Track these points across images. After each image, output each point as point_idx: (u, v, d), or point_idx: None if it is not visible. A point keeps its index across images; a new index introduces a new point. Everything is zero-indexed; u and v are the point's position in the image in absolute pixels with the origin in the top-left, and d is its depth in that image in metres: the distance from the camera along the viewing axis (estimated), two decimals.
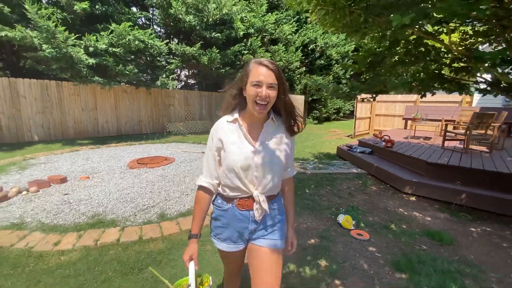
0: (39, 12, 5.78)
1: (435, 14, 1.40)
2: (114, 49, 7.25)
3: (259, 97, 1.06)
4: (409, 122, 8.91)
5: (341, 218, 3.19)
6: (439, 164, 4.36)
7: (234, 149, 1.13)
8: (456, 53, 1.84)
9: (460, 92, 2.09)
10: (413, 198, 4.21)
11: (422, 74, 2.44)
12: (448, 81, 2.30)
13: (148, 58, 9.12)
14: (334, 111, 18.42)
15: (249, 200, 1.18)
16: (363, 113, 11.19)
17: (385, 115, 11.74)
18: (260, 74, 1.05)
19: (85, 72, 6.98)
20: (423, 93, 2.62)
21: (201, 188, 1.22)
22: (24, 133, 7.77)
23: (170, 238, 2.72)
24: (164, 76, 9.21)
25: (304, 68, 14.79)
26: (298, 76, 14.72)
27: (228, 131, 1.16)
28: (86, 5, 6.72)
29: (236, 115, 1.17)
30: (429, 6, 1.47)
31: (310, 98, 15.55)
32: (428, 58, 2.17)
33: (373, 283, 2.23)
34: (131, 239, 2.66)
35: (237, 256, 1.29)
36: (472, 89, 2.10)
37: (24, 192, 3.82)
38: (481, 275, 2.35)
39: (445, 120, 7.60)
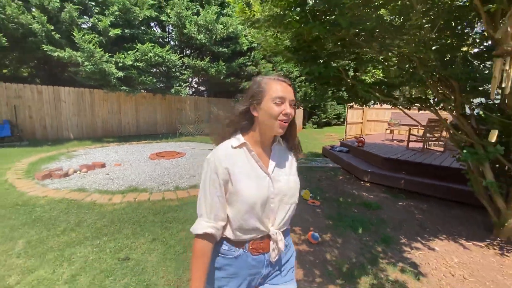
0: (83, 37, 7.41)
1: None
2: (138, 64, 8.84)
3: (284, 114, 0.92)
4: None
5: (302, 192, 4.49)
6: (391, 158, 5.60)
7: (250, 184, 0.93)
8: (351, 83, 3.15)
9: (361, 105, 3.38)
10: (368, 184, 5.45)
11: (345, 93, 3.78)
12: (359, 98, 3.62)
13: (165, 69, 10.69)
14: (334, 116, 19.60)
15: (264, 241, 0.99)
16: (354, 118, 12.39)
17: (376, 121, 12.89)
18: (283, 90, 0.93)
19: (114, 83, 8.56)
20: (351, 104, 3.95)
21: (203, 236, 0.93)
22: (63, 132, 9.41)
23: (182, 199, 4.09)
24: (177, 84, 10.76)
25: (304, 77, 16.12)
26: (299, 84, 16.04)
27: (236, 160, 0.96)
28: (118, 31, 8.35)
29: (242, 139, 0.99)
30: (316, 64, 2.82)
31: (309, 105, 16.81)
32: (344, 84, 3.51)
33: (309, 224, 3.52)
34: (157, 198, 4.05)
35: None
36: (370, 103, 3.39)
37: (78, 172, 5.29)
38: (382, 224, 3.60)
39: (421, 125, 8.73)
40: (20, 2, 7.33)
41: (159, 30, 11.96)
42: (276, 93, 0.92)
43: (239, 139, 0.99)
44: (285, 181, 1.01)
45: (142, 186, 4.61)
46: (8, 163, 5.88)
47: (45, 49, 7.38)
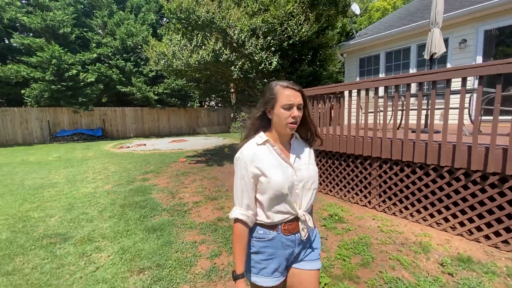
0: (136, 80, 13.88)
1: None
2: (166, 91, 15.08)
3: (292, 117, 1.09)
4: None
5: (225, 149, 9.76)
6: None
7: (277, 172, 1.09)
8: None
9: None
10: None
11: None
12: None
13: (183, 92, 16.87)
14: None
15: (294, 223, 1.16)
16: None
17: None
18: (291, 97, 1.09)
19: (153, 103, 14.90)
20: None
21: (238, 221, 1.13)
22: (126, 133, 16.15)
23: (171, 152, 9.73)
24: (192, 101, 16.83)
25: None
26: None
27: (262, 155, 1.12)
28: (154, 73, 14.76)
29: (264, 137, 1.15)
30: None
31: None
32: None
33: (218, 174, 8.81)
34: (162, 152, 9.78)
35: None
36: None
37: (133, 146, 11.41)
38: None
39: None
40: (106, 65, 14.17)
41: None
42: (285, 100, 1.09)
43: (262, 137, 1.16)
44: (305, 169, 1.17)
45: (159, 149, 10.44)
46: (104, 145, 12.39)
47: (118, 88, 14.03)
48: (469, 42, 5.60)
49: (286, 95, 1.09)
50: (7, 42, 11.93)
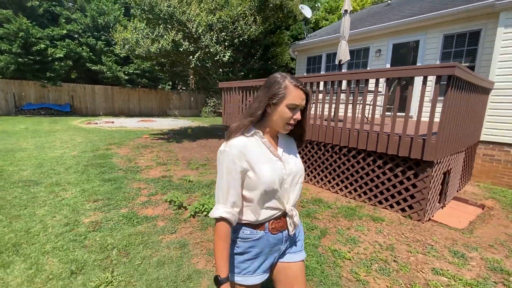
0: (107, 59, 14.16)
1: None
2: (136, 71, 15.49)
3: (293, 119, 1.06)
4: None
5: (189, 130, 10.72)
6: None
7: (266, 167, 1.04)
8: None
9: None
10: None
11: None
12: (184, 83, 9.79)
13: (155, 74, 17.31)
14: None
15: (281, 220, 1.12)
16: None
17: None
18: (299, 98, 1.04)
19: (123, 83, 15.28)
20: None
21: (222, 220, 1.02)
22: (96, 111, 16.40)
23: (137, 129, 10.50)
24: (162, 83, 17.34)
25: None
26: None
27: (251, 147, 1.05)
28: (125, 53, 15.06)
29: (253, 128, 1.09)
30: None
31: None
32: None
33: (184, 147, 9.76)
34: (128, 128, 10.53)
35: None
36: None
37: (101, 123, 11.96)
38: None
39: None
40: (76, 41, 14.26)
41: None
42: (293, 100, 1.03)
43: (250, 129, 1.07)
44: (293, 163, 1.14)
45: (125, 127, 11.14)
46: (72, 121, 12.77)
47: (88, 66, 14.24)
48: (383, 52, 6.99)
49: (296, 95, 1.04)
50: None
